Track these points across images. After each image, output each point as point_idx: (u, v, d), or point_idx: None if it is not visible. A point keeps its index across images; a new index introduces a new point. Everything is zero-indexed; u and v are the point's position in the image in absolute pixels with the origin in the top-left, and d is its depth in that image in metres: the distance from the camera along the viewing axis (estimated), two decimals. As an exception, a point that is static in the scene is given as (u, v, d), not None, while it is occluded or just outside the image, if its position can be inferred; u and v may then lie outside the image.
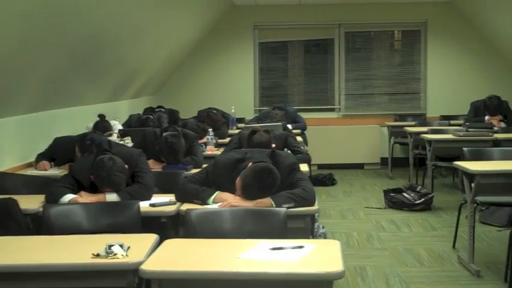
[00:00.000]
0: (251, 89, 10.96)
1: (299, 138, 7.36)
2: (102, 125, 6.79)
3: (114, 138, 6.55)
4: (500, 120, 8.63)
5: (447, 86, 10.81)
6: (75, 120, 6.91)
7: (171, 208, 3.80)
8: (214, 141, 6.80)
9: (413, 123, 9.83)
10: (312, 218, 3.82)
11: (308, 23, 10.93)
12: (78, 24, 5.33)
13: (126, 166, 4.03)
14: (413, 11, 10.74)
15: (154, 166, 5.19)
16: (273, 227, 3.39)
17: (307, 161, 5.92)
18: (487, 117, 8.64)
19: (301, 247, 2.86)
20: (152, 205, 3.85)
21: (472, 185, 5.13)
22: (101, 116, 6.96)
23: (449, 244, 6.04)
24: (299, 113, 9.41)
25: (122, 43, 6.88)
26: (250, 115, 10.26)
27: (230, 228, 3.43)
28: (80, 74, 6.37)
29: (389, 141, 10.34)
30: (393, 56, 11.19)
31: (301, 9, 10.72)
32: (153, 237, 3.05)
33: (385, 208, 7.74)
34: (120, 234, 3.25)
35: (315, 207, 3.74)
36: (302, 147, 6.73)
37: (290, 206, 3.63)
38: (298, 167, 4.03)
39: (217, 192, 3.84)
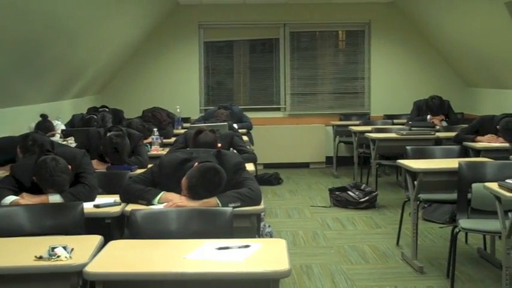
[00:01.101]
0: (196, 89, 10.91)
1: (245, 138, 7.36)
2: (44, 125, 6.67)
3: (56, 138, 6.45)
4: (442, 120, 8.81)
5: (390, 85, 10.97)
6: (17, 121, 6.76)
7: (116, 209, 3.75)
8: (159, 141, 6.74)
9: (357, 122, 9.93)
10: (258, 217, 3.82)
11: (253, 23, 10.95)
12: (17, 22, 5.22)
13: (70, 167, 3.96)
14: (357, 12, 10.86)
15: (99, 166, 5.12)
16: (219, 227, 3.38)
17: (253, 160, 5.92)
18: (429, 117, 8.80)
19: (247, 246, 2.85)
20: (96, 206, 3.80)
21: (415, 182, 5.21)
22: (43, 116, 6.84)
23: (393, 241, 6.13)
24: (245, 113, 9.42)
25: (63, 42, 6.77)
26: (195, 115, 10.22)
27: (176, 228, 3.40)
28: (21, 73, 6.24)
29: (334, 140, 10.44)
30: (338, 56, 11.30)
31: (246, 8, 10.73)
32: (97, 239, 3.01)
33: (330, 206, 7.81)
34: (63, 236, 3.19)
35: (261, 206, 3.75)
36: (248, 147, 6.73)
37: (236, 205, 3.62)
38: (244, 167, 4.03)
39: (163, 192, 3.81)
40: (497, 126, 6.71)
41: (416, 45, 10.90)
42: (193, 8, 10.70)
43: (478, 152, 6.55)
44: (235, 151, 5.68)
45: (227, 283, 2.67)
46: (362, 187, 7.87)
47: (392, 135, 7.97)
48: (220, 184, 3.69)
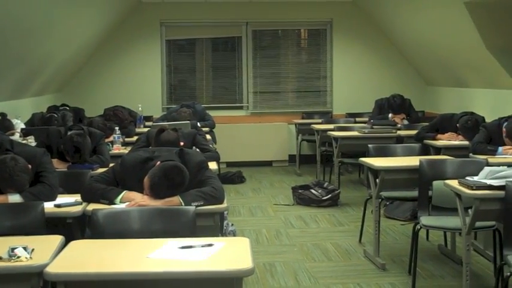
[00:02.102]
0: (158, 87, 10.85)
1: (208, 136, 7.34)
2: (3, 124, 6.56)
3: (16, 137, 6.34)
4: (403, 118, 8.91)
5: (352, 84, 11.04)
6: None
7: (77, 208, 3.71)
8: (121, 140, 6.69)
9: (320, 120, 9.96)
10: (221, 216, 3.81)
11: (215, 21, 10.92)
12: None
13: (30, 166, 3.90)
14: (319, 10, 10.90)
15: (59, 166, 5.05)
16: (182, 226, 3.36)
17: (216, 159, 5.91)
18: (390, 115, 8.90)
19: (210, 245, 2.84)
20: (57, 206, 3.75)
21: (377, 180, 5.26)
22: (2, 115, 6.73)
23: (355, 239, 6.17)
24: (207, 111, 9.39)
25: (22, 39, 6.66)
26: (158, 113, 10.15)
27: (138, 228, 3.37)
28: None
29: (297, 139, 10.47)
30: (300, 55, 11.34)
31: (208, 6, 10.70)
32: (58, 239, 2.97)
33: (293, 205, 7.83)
34: (23, 236, 3.14)
35: (224, 205, 3.74)
36: (211, 145, 6.72)
37: (199, 204, 3.61)
38: (207, 165, 4.01)
39: (125, 191, 3.77)
40: (457, 125, 6.81)
41: (378, 44, 10.98)
42: (155, 6, 10.63)
43: (438, 150, 6.63)
44: (197, 150, 5.65)
45: (190, 282, 2.66)
46: (325, 185, 7.90)
47: (355, 133, 8.02)
48: (183, 183, 3.67)
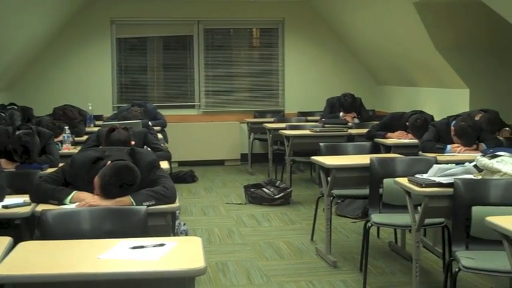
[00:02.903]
0: (109, 86, 10.72)
1: (159, 136, 7.29)
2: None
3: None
4: (354, 117, 9.00)
5: (304, 83, 11.10)
6: None
7: (26, 209, 3.64)
8: (70, 139, 6.59)
9: (272, 119, 10.00)
10: (173, 215, 3.78)
11: (167, 19, 10.85)
12: None
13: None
14: (271, 9, 10.93)
15: (7, 166, 4.95)
16: (134, 226, 3.33)
17: (168, 158, 5.87)
18: (341, 114, 8.98)
19: (162, 245, 2.82)
20: (5, 207, 3.67)
21: (328, 179, 5.29)
22: None
23: (307, 237, 6.20)
24: (159, 110, 9.33)
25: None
26: (108, 112, 10.03)
27: (89, 228, 3.32)
28: None
29: (249, 138, 10.48)
30: (252, 54, 11.35)
31: (160, 4, 10.62)
32: (6, 240, 2.90)
33: (245, 203, 7.84)
34: (-31, 238, 3.07)
35: (176, 204, 3.71)
36: (162, 145, 6.67)
37: (151, 204, 3.58)
38: (159, 165, 3.98)
39: (75, 191, 3.72)
40: (407, 123, 6.91)
41: (329, 43, 11.07)
42: (105, 4, 10.51)
43: (388, 148, 6.71)
44: (149, 149, 5.61)
45: (142, 282, 2.63)
46: (277, 184, 7.93)
47: (306, 132, 8.07)
48: (134, 182, 3.63)
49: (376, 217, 4.78)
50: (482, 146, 5.78)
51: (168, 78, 11.12)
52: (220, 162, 10.91)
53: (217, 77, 11.10)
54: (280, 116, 10.65)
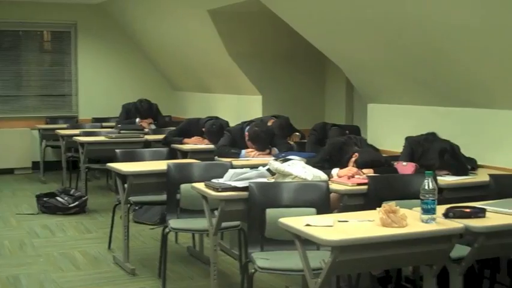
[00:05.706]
0: None
1: None
2: None
3: None
4: (151, 123, 8.99)
5: (99, 88, 10.88)
6: None
7: None
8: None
9: (65, 125, 9.67)
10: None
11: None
12: None
13: None
14: (62, 12, 10.59)
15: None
16: None
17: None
18: (137, 120, 8.92)
19: None
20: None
21: (125, 185, 5.23)
22: None
23: (104, 245, 6.08)
24: None
25: None
26: None
27: None
28: None
29: (41, 145, 10.06)
30: (43, 57, 10.91)
31: None
32: None
33: (38, 213, 7.51)
34: None
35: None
36: None
37: None
38: None
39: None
40: (203, 129, 7.02)
41: (124, 48, 10.95)
42: None
43: (185, 154, 6.77)
44: None
45: None
46: (71, 192, 7.70)
47: (102, 138, 7.92)
48: None
49: (173, 222, 4.79)
50: (275, 150, 6.03)
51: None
52: (9, 171, 10.35)
53: (4, 81, 10.53)
54: (74, 122, 10.35)
